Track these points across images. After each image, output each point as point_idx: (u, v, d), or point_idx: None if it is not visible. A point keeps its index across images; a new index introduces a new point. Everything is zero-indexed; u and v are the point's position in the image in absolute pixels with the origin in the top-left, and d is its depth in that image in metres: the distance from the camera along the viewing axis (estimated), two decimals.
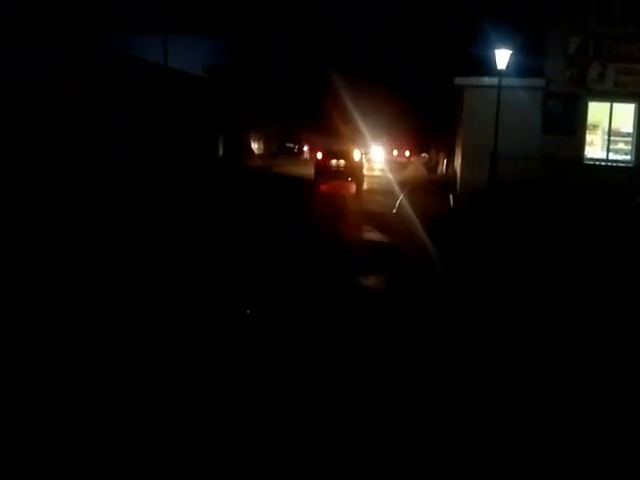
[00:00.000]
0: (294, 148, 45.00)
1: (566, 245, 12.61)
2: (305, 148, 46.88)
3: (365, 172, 26.16)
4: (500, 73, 17.09)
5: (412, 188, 24.73)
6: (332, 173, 23.75)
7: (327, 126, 40.82)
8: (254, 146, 39.13)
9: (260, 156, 37.81)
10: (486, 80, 18.80)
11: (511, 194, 16.90)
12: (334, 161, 23.77)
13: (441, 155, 38.08)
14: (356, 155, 24.29)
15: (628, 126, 18.99)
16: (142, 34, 26.98)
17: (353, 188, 23.36)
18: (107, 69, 23.12)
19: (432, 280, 9.30)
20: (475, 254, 11.53)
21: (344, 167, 23.63)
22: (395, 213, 17.28)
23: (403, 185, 25.60)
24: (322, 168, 24.04)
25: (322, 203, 20.30)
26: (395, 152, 68.40)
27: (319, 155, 24.70)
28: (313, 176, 24.55)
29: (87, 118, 22.29)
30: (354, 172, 23.62)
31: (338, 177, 23.79)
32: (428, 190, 25.77)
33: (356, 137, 35.19)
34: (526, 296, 8.52)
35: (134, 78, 24.33)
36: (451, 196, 20.16)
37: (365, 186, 24.91)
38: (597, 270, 10.36)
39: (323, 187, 23.81)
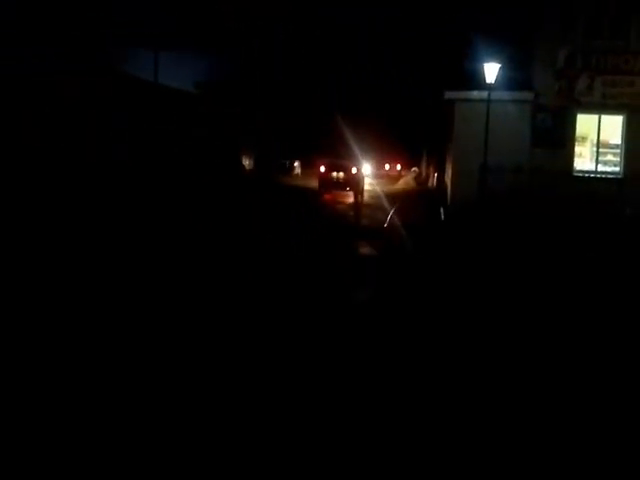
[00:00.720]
0: (285, 164, 45.29)
1: (556, 256, 12.62)
2: (296, 164, 47.14)
3: (364, 183, 28.56)
4: (489, 87, 17.18)
5: (403, 202, 24.87)
6: (333, 184, 26.40)
7: (320, 142, 41.00)
8: (245, 162, 39.27)
9: (250, 171, 38.06)
10: (476, 94, 18.88)
11: (501, 206, 16.92)
12: (335, 173, 26.39)
13: (431, 169, 38.18)
14: (354, 168, 26.64)
15: (616, 138, 19.10)
16: (136, 45, 26.87)
17: (352, 197, 25.54)
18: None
19: (420, 291, 9.27)
20: (466, 265, 11.53)
21: (344, 179, 26.24)
22: (386, 227, 17.29)
23: (394, 199, 25.72)
24: (325, 180, 26.68)
25: (324, 211, 21.51)
26: (387, 166, 68.67)
27: (322, 169, 27.04)
28: (317, 187, 27.05)
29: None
30: (353, 183, 26.02)
31: (339, 187, 26.45)
32: (418, 203, 25.88)
33: (349, 152, 35.52)
34: (515, 306, 8.51)
35: (130, 92, 24.26)
36: (442, 209, 20.16)
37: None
38: (586, 280, 10.38)
39: (326, 196, 26.11)
